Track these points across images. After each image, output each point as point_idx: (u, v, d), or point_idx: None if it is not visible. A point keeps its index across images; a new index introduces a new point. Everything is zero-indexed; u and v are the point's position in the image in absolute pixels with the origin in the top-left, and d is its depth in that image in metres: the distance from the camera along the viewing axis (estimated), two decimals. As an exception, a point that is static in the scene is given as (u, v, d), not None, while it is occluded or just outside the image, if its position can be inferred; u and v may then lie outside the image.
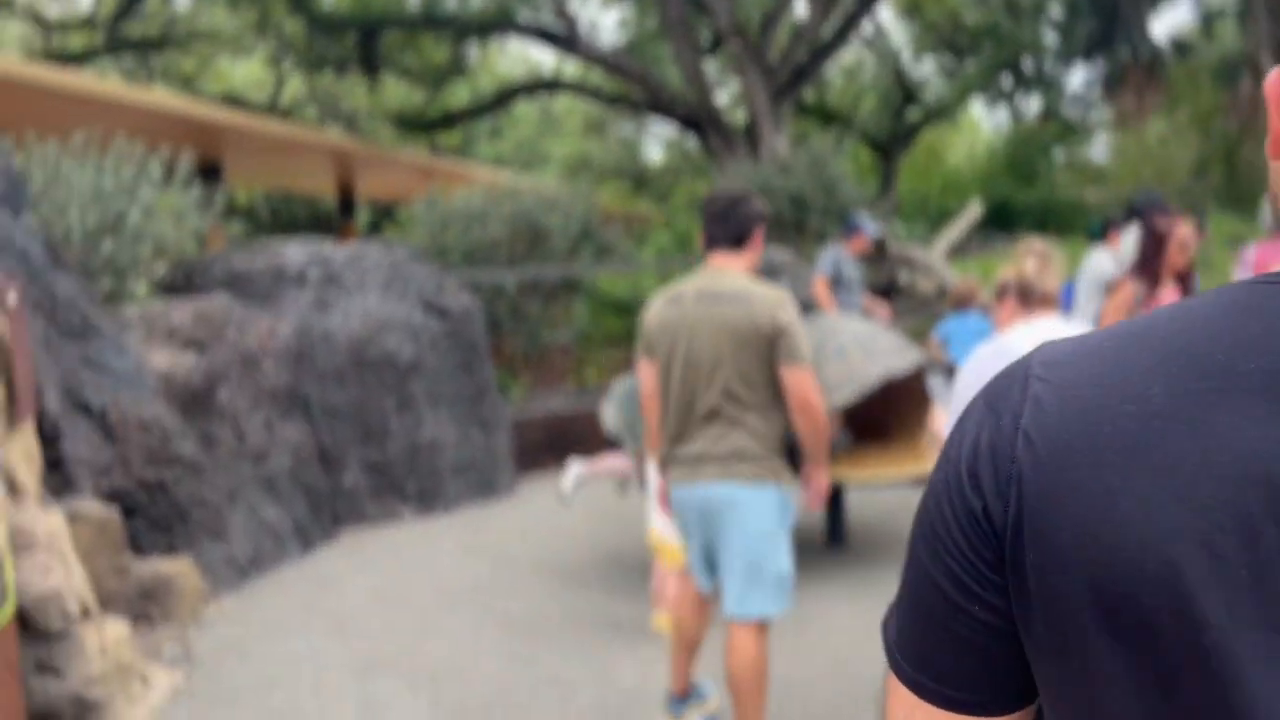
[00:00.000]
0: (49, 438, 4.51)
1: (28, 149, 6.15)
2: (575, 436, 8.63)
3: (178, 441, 5.43)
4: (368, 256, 7.92)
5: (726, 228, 3.26)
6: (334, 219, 20.28)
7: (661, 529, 4.70)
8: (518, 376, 9.58)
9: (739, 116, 19.32)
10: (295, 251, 7.70)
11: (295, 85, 22.79)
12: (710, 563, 3.36)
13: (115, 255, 5.97)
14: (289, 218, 23.95)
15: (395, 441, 7.21)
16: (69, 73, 12.70)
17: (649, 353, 3.34)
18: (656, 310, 3.32)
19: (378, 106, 21.61)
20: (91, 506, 4.53)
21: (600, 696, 3.98)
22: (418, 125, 20.00)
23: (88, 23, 20.46)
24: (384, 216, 21.93)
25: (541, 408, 8.90)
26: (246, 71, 25.69)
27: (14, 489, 3.71)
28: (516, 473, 8.12)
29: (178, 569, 4.88)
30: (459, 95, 22.80)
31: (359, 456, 7.11)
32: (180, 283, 6.98)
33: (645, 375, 3.38)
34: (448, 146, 24.30)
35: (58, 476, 4.59)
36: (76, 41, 20.82)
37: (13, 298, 3.61)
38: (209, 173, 15.16)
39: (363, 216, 22.68)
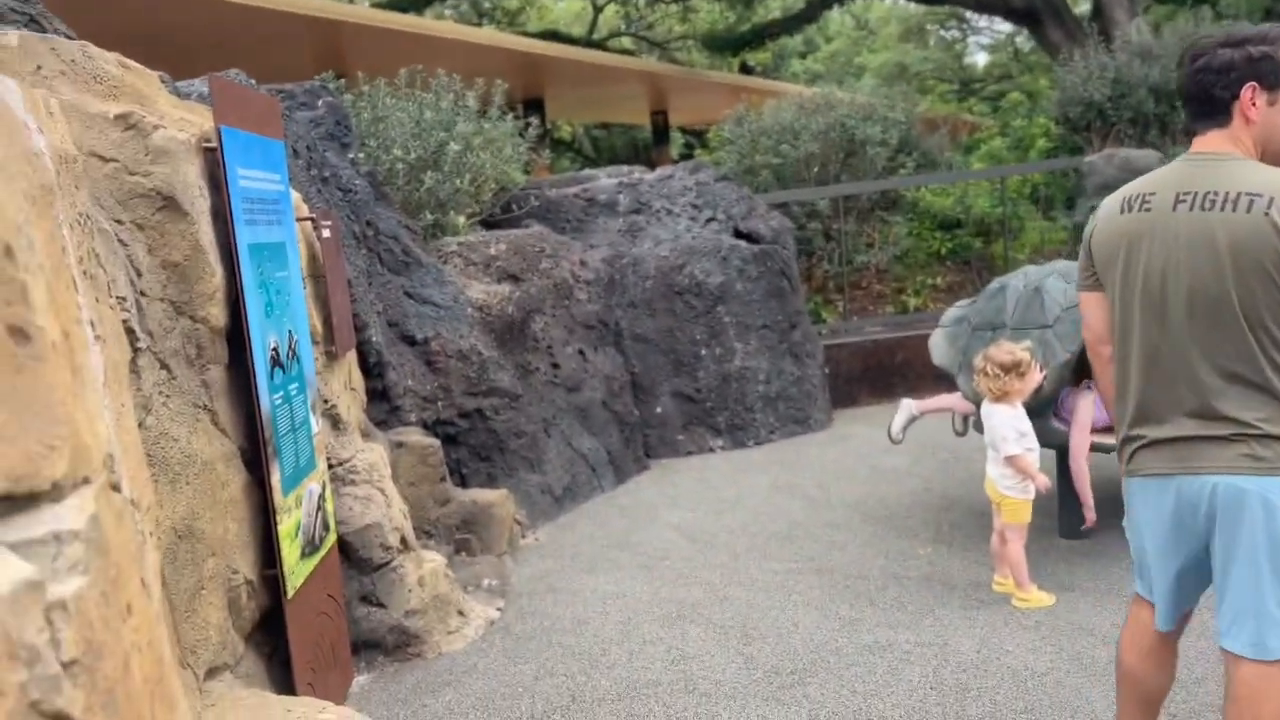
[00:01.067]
0: (373, 369, 4.62)
1: (357, 88, 6.38)
2: (895, 368, 8.01)
3: (495, 372, 5.47)
4: (675, 180, 7.72)
5: (1197, 95, 2.25)
6: (650, 149, 20.49)
7: (1001, 479, 4.09)
8: (831, 303, 9.05)
9: (1081, 6, 17.21)
10: (605, 179, 7.74)
11: (610, 16, 23.11)
12: (1187, 585, 2.37)
13: (436, 188, 6.08)
14: (610, 150, 24.58)
15: (705, 372, 6.98)
16: (409, 16, 13.48)
17: (1093, 282, 2.43)
18: (1106, 219, 2.35)
19: (689, 29, 21.41)
20: (414, 436, 4.62)
21: (934, 669, 3.50)
22: (728, 44, 19.61)
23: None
24: (696, 144, 21.86)
25: (858, 336, 8.33)
26: (565, 7, 26.44)
27: (335, 422, 3.77)
28: (831, 406, 7.66)
29: (496, 498, 4.91)
30: (770, 8, 22.13)
31: (670, 387, 6.96)
32: (497, 214, 7.08)
33: (1091, 314, 2.47)
34: (759, 65, 23.74)
35: (382, 407, 4.71)
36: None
37: (326, 231, 3.62)
38: (532, 106, 15.70)
39: (676, 144, 22.74)
